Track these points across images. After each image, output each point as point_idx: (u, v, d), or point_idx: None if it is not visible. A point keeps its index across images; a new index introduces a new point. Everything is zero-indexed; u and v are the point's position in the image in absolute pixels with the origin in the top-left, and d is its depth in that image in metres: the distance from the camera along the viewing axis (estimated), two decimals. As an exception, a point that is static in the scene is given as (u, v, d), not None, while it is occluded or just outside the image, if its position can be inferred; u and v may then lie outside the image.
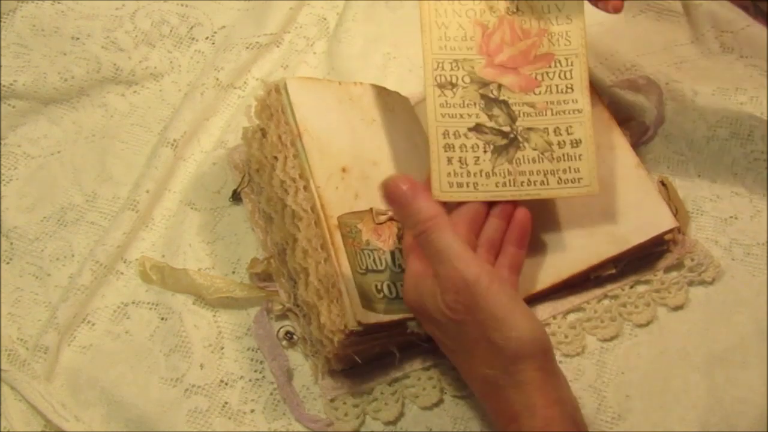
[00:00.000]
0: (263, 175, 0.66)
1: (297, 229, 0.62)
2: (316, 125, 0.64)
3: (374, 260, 0.61)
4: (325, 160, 0.63)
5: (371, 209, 0.63)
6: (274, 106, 0.65)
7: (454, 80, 0.63)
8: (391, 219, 0.63)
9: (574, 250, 0.65)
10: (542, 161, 0.62)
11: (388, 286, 0.60)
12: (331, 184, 0.62)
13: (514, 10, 0.65)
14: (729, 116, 0.74)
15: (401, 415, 0.64)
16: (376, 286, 0.60)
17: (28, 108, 0.76)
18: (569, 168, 0.62)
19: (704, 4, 0.78)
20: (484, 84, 0.63)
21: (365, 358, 0.62)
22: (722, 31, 0.77)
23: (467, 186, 0.61)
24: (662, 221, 0.65)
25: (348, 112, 0.66)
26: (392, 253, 0.62)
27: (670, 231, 0.65)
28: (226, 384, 0.65)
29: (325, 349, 0.61)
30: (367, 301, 0.59)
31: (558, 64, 0.64)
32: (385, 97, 0.69)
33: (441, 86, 0.62)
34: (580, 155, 0.62)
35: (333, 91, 0.67)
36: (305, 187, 0.62)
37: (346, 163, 0.64)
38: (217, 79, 0.76)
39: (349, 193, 0.62)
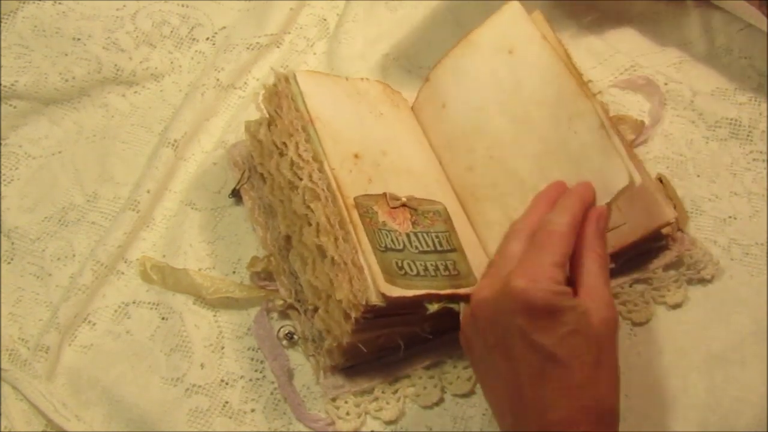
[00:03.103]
0: (269, 162, 0.66)
1: (311, 210, 0.61)
2: (327, 114, 0.64)
3: (392, 240, 0.61)
4: (337, 145, 0.63)
5: (385, 194, 0.63)
6: (283, 93, 0.65)
7: None
8: (404, 204, 0.63)
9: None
10: None
11: (409, 264, 0.60)
12: (345, 168, 0.62)
13: None
14: (728, 116, 0.74)
15: (402, 414, 0.64)
16: (396, 263, 0.59)
17: (29, 108, 0.76)
18: None
19: (704, 4, 0.78)
20: None
21: (369, 350, 0.62)
22: (722, 32, 0.77)
23: None
24: (661, 214, 0.65)
25: (356, 105, 0.67)
26: (408, 236, 0.62)
27: (669, 224, 0.65)
28: (227, 383, 0.65)
29: (330, 336, 0.61)
30: (389, 277, 0.58)
31: None
32: (390, 94, 0.70)
33: None
34: None
35: (341, 85, 0.68)
36: (319, 169, 0.62)
37: (358, 150, 0.64)
38: (218, 80, 0.76)
39: (363, 177, 0.63)
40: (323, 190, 0.61)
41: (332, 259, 0.60)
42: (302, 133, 0.63)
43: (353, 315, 0.58)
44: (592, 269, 0.55)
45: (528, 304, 0.52)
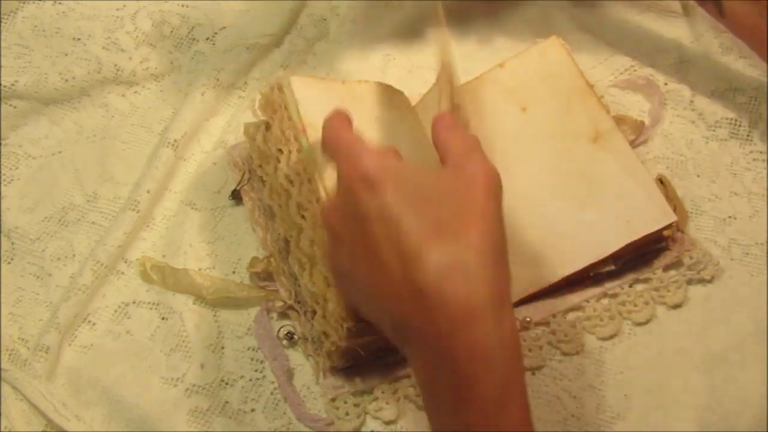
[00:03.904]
0: (268, 166, 0.66)
1: (303, 219, 0.62)
2: (320, 121, 0.64)
3: None
4: None
5: None
6: (277, 102, 0.65)
7: None
8: None
9: (573, 248, 0.65)
10: None
11: None
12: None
13: None
14: (728, 116, 0.74)
15: (402, 414, 0.64)
16: None
17: (29, 108, 0.76)
18: None
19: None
20: None
21: (368, 353, 0.62)
22: (722, 31, 0.77)
23: None
24: (661, 216, 0.65)
25: (351, 110, 0.66)
26: None
27: (669, 226, 0.65)
28: (227, 384, 0.65)
29: (328, 340, 0.61)
30: None
31: None
32: (390, 95, 0.70)
33: None
34: None
35: (336, 89, 0.67)
36: (309, 180, 0.62)
37: None
38: (218, 80, 0.76)
39: None
40: (312, 202, 0.61)
41: (321, 271, 0.60)
42: (294, 143, 0.63)
43: (345, 325, 0.58)
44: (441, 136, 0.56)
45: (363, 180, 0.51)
